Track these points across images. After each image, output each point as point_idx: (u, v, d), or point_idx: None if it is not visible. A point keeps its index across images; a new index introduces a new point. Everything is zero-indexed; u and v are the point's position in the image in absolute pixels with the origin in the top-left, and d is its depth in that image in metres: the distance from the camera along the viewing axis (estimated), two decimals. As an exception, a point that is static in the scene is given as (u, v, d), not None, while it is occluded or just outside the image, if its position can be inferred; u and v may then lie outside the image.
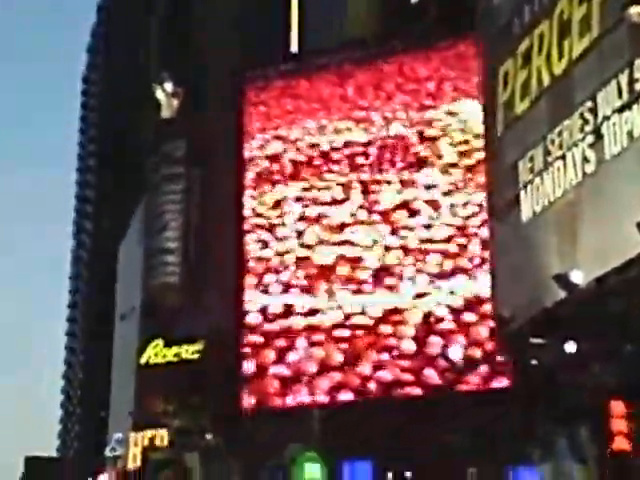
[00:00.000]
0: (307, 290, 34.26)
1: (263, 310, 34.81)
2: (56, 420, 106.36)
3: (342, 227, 34.54)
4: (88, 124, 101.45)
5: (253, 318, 34.86)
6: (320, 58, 38.56)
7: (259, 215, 36.41)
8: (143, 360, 46.47)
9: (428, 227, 33.09)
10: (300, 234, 35.22)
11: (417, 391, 31.01)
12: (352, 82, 37.01)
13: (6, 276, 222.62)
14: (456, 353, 26.78)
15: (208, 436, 38.01)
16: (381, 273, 33.18)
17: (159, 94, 51.04)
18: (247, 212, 36.65)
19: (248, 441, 34.81)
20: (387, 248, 33.38)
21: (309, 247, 34.81)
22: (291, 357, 33.54)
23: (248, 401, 33.85)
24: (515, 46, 25.16)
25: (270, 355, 33.86)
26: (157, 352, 45.88)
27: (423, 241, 32.87)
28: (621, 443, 20.47)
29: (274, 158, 37.29)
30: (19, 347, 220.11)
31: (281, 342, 33.91)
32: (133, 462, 46.73)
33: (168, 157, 49.09)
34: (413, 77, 35.97)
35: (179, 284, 47.54)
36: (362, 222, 34.23)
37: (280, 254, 35.25)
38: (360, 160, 35.62)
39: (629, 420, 20.47)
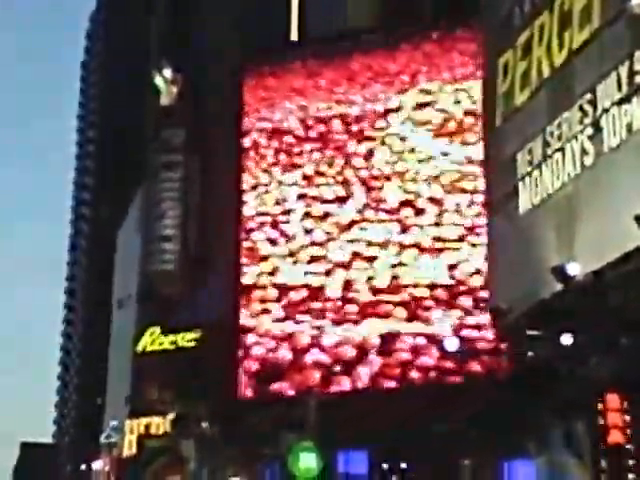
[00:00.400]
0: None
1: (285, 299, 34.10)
2: (52, 406, 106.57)
3: (351, 225, 34.00)
4: (87, 110, 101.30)
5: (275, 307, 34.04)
6: (283, 56, 38.38)
7: (262, 214, 35.76)
8: (140, 347, 46.46)
9: (437, 225, 32.56)
10: (308, 232, 34.79)
11: (458, 380, 30.03)
12: (322, 77, 36.64)
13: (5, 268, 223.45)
14: (452, 345, 26.66)
15: (204, 424, 37.97)
16: (400, 269, 32.55)
17: (158, 81, 50.94)
18: (249, 211, 36.12)
19: (245, 430, 34.74)
20: (402, 246, 32.83)
21: (320, 245, 34.33)
22: (325, 340, 32.55)
23: (289, 393, 32.72)
24: (515, 36, 25.05)
25: (304, 339, 32.93)
26: (154, 340, 45.86)
27: (436, 239, 32.27)
28: (616, 436, 20.45)
29: (261, 143, 36.96)
30: (16, 335, 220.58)
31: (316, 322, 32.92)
32: (128, 449, 46.84)
33: (167, 145, 49.05)
34: (383, 72, 35.70)
35: (177, 272, 47.55)
36: (371, 220, 33.84)
37: (292, 252, 34.60)
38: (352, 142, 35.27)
39: (625, 414, 20.45)
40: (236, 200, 36.57)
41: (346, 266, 33.42)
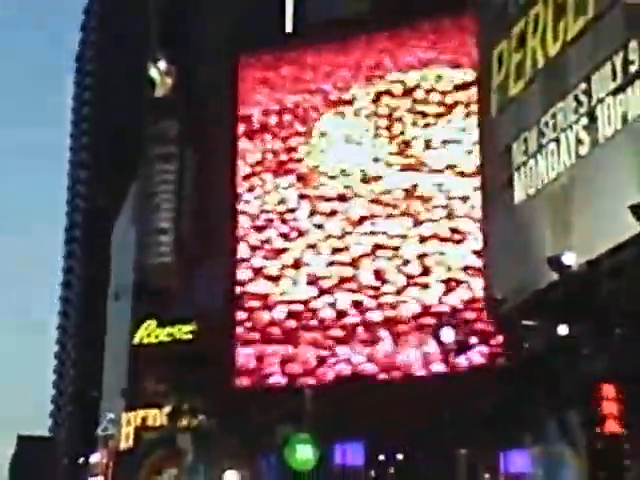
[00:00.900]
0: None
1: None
2: (48, 399, 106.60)
3: (361, 220, 33.62)
4: (81, 102, 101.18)
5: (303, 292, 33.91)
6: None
7: (267, 211, 35.53)
8: (136, 340, 46.44)
9: (450, 217, 32.27)
10: (320, 227, 34.37)
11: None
12: (280, 70, 36.45)
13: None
14: (448, 336, 26.61)
15: (201, 417, 37.99)
16: (424, 259, 32.28)
17: (153, 73, 50.84)
18: (253, 209, 35.87)
19: (242, 422, 34.74)
20: (422, 238, 32.44)
21: (338, 238, 33.88)
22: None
23: (342, 369, 32.53)
24: (510, 27, 25.00)
25: (329, 313, 32.95)
26: (150, 332, 45.83)
27: (452, 230, 32.00)
28: (612, 426, 20.46)
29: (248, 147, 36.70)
30: (14, 334, 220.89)
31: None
32: (125, 442, 46.82)
33: (162, 137, 48.95)
34: (342, 63, 35.48)
35: (172, 264, 47.50)
36: (380, 216, 33.52)
37: (312, 245, 34.21)
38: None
39: (621, 403, 20.47)
40: (232, 194, 36.47)
41: (370, 256, 33.13)
